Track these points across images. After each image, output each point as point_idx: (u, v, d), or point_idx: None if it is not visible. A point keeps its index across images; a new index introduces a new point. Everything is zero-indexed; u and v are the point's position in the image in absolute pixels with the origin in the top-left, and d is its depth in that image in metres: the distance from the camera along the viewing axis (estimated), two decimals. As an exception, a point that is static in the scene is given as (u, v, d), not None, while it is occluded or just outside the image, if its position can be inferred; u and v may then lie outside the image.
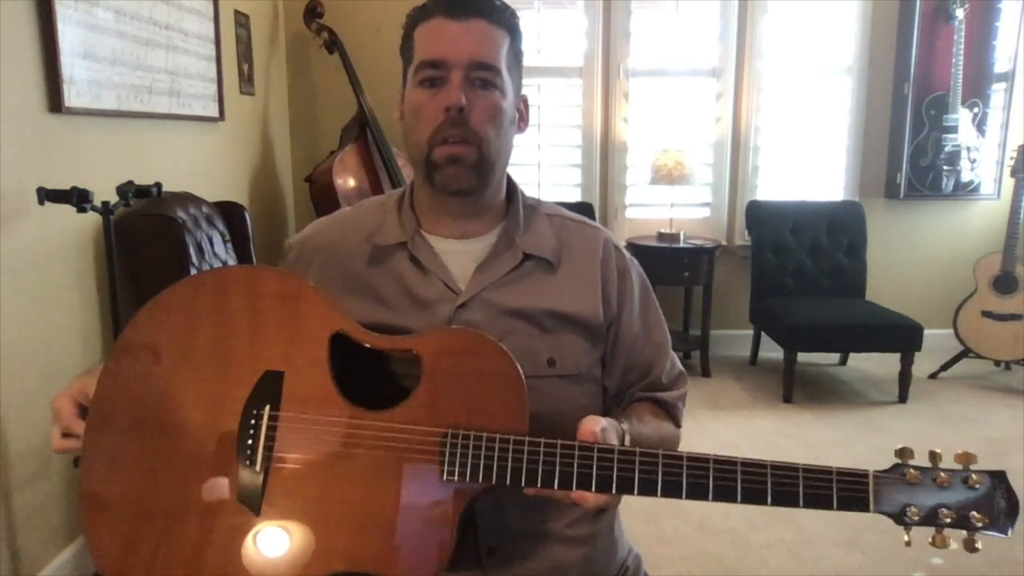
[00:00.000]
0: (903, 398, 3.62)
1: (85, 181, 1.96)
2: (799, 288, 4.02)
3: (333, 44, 3.73)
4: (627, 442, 0.93)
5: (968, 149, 4.11)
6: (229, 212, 2.85)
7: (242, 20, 3.40)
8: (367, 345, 0.95)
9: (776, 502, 0.85)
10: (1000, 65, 4.08)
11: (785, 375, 3.67)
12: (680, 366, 1.16)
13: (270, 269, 1.00)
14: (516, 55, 1.04)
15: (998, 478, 0.84)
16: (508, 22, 1.02)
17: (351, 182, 3.56)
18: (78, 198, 1.89)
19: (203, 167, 3.02)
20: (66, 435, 0.95)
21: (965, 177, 4.14)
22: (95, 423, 0.93)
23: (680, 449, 0.90)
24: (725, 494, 0.85)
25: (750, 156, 4.21)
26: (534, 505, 1.02)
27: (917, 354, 3.58)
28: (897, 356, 3.60)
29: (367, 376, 0.98)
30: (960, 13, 3.90)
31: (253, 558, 0.89)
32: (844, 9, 4.09)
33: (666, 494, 0.86)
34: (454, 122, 0.97)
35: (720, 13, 4.07)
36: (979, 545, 0.83)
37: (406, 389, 0.92)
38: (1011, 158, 3.87)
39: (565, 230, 1.10)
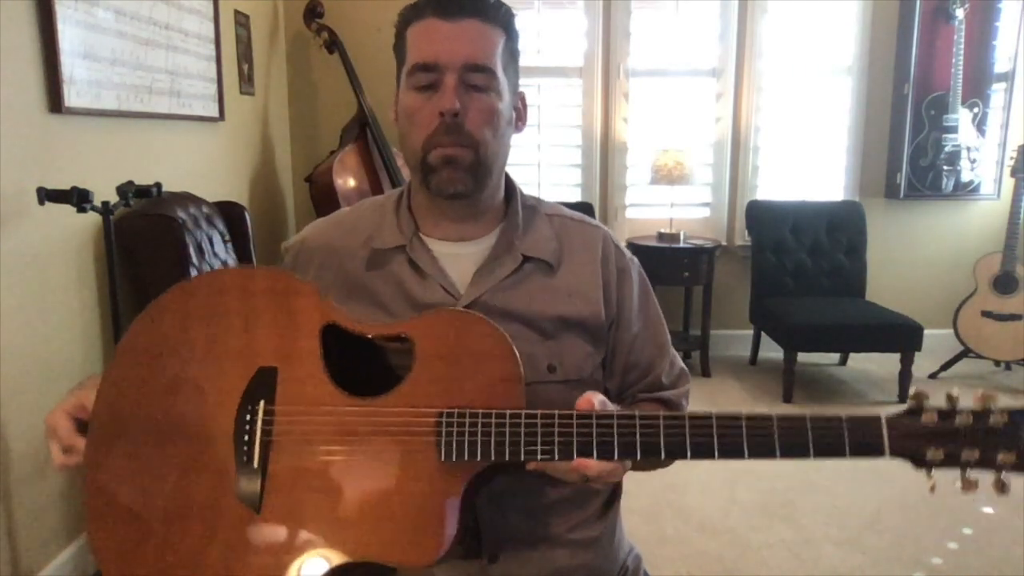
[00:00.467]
0: (903, 398, 3.61)
1: (85, 181, 1.97)
2: (799, 288, 4.02)
3: (333, 44, 3.73)
4: None
5: (968, 149, 4.10)
6: (229, 212, 2.86)
7: (242, 20, 3.40)
8: (359, 333, 0.94)
9: (786, 454, 0.82)
10: (1000, 65, 4.07)
11: (785, 375, 3.67)
12: (681, 364, 1.15)
13: (261, 268, 1.00)
14: (512, 53, 1.02)
15: (1022, 414, 0.79)
16: (503, 20, 0.99)
17: (351, 182, 3.56)
18: (78, 198, 1.89)
19: (203, 167, 3.02)
20: (67, 450, 0.94)
21: (965, 177, 4.14)
22: (98, 434, 0.93)
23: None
24: (731, 450, 0.83)
25: (750, 156, 4.21)
26: (537, 509, 1.02)
27: (917, 354, 3.58)
28: (897, 356, 3.60)
29: (363, 366, 0.97)
30: (960, 13, 3.90)
31: (257, 557, 0.88)
32: (844, 9, 4.09)
33: (670, 455, 0.85)
34: (449, 128, 0.95)
35: (720, 13, 4.07)
36: (1010, 486, 0.78)
37: (403, 375, 0.92)
38: (1011, 158, 3.87)
39: (565, 230, 1.09)
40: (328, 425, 0.90)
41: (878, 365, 4.07)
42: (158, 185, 2.16)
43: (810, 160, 4.23)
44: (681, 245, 3.94)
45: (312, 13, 3.77)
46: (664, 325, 1.14)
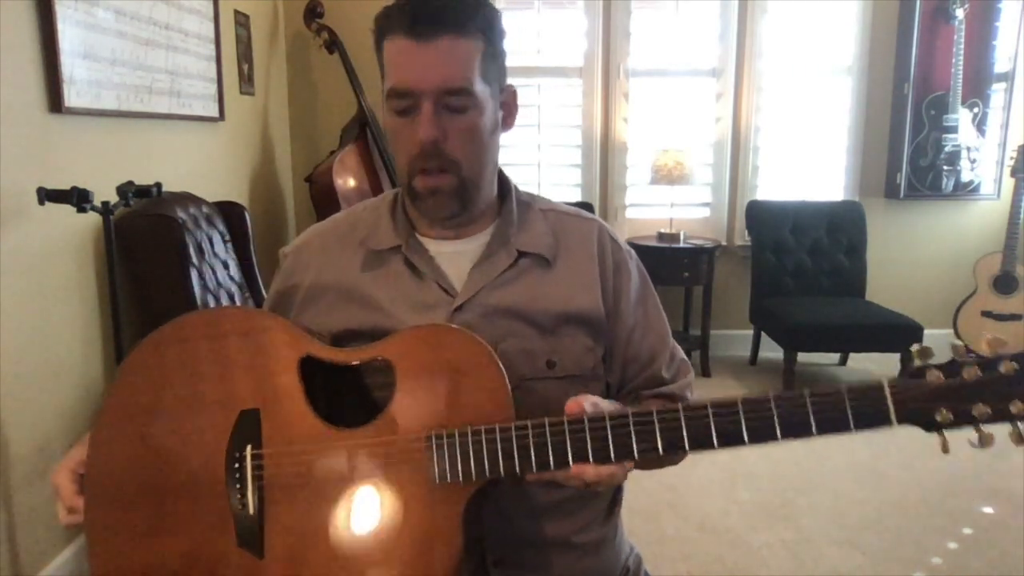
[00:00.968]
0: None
1: (85, 181, 1.96)
2: (799, 288, 4.02)
3: (333, 44, 3.73)
4: None
5: (968, 149, 4.10)
6: (229, 212, 2.86)
7: (242, 20, 3.40)
8: (337, 362, 0.93)
9: (787, 435, 0.80)
10: (1000, 65, 4.07)
11: (785, 375, 3.67)
12: (682, 355, 1.13)
13: (227, 309, 0.99)
14: (494, 56, 0.98)
15: None
16: (480, 25, 0.95)
17: (351, 182, 3.56)
18: (78, 198, 1.89)
19: (203, 167, 3.02)
20: (70, 511, 0.95)
21: (965, 177, 4.14)
22: (92, 498, 0.93)
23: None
24: (730, 438, 0.81)
25: (750, 156, 4.21)
26: (540, 514, 1.01)
27: (917, 354, 3.58)
28: (897, 356, 3.59)
29: (347, 392, 0.96)
30: (960, 13, 3.90)
31: None
32: (844, 9, 4.09)
33: (668, 450, 0.83)
34: (429, 155, 0.95)
35: (720, 13, 4.07)
36: None
37: (386, 399, 0.90)
38: (1011, 158, 3.87)
39: (561, 224, 1.08)
40: (319, 462, 0.89)
41: (878, 365, 4.07)
42: (158, 185, 2.16)
43: (810, 160, 4.23)
44: (681, 245, 3.94)
45: (312, 13, 3.77)
46: (664, 318, 1.12)
